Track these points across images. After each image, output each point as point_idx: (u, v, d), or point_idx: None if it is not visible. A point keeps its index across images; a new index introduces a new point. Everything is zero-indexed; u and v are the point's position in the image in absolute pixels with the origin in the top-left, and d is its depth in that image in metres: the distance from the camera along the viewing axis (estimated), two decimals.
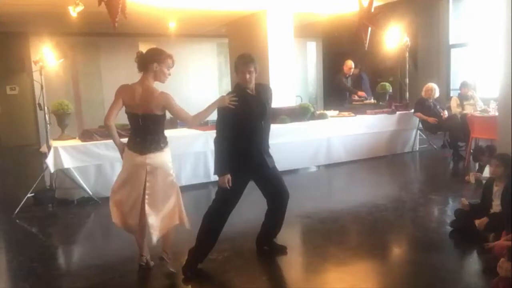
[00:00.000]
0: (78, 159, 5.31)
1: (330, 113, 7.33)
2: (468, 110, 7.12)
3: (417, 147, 8.02)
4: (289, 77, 8.57)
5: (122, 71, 10.14)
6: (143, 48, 13.02)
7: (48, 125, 5.55)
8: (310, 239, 4.12)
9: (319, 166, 6.94)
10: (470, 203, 3.95)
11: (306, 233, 4.23)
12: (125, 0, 3.88)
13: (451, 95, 9.23)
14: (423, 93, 7.63)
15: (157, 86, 3.39)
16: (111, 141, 5.42)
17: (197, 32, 11.45)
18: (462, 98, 7.42)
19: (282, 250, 3.67)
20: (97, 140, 5.44)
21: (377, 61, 10.36)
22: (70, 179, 5.30)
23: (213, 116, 3.43)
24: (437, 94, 7.58)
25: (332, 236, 4.19)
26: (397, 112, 7.78)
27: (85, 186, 5.34)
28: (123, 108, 3.34)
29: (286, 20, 8.53)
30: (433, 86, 7.59)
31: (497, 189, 3.74)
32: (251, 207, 5.13)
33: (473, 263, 3.55)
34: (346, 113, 7.54)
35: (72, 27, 7.64)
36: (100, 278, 3.34)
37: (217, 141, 3.31)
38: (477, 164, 5.98)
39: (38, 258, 3.78)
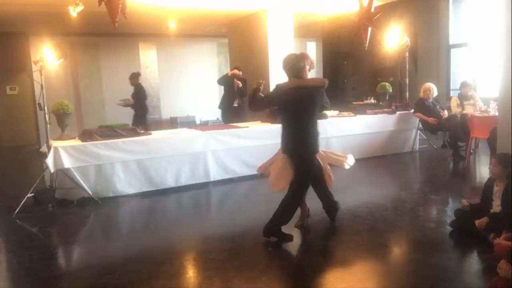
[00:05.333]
0: (78, 159, 5.31)
1: (330, 113, 7.33)
2: (468, 110, 7.12)
3: (417, 147, 8.02)
4: None
5: (122, 71, 10.22)
6: (143, 48, 13.14)
7: (48, 125, 5.55)
8: (310, 239, 4.12)
9: None
10: (470, 203, 3.95)
11: (305, 233, 4.22)
12: (125, 0, 3.89)
13: (451, 95, 9.23)
14: (421, 94, 7.61)
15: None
16: (111, 141, 5.48)
17: (197, 32, 11.46)
18: (462, 98, 7.42)
19: (290, 238, 3.85)
20: (97, 140, 5.44)
21: (377, 61, 10.37)
22: (70, 179, 5.30)
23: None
24: (435, 93, 7.58)
25: (332, 236, 4.20)
26: (397, 112, 7.78)
27: (85, 186, 5.34)
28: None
29: (286, 20, 8.54)
30: (430, 85, 7.58)
31: (497, 189, 3.74)
32: (251, 207, 5.14)
33: (473, 263, 3.55)
34: (346, 113, 7.54)
35: (72, 27, 7.64)
36: (100, 278, 3.34)
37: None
38: (477, 164, 5.98)
39: (38, 258, 3.77)
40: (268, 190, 4.06)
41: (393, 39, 7.73)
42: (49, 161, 5.13)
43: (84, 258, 3.89)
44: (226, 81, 8.04)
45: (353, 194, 5.35)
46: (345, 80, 12.62)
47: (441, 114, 7.42)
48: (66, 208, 5.21)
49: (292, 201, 3.92)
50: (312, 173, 4.00)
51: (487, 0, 8.67)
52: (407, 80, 8.14)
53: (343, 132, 7.14)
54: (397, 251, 3.89)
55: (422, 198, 5.12)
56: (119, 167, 5.53)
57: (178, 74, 12.24)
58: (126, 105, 8.76)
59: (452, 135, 7.23)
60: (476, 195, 4.30)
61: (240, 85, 7.93)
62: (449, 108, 7.58)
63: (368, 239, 3.96)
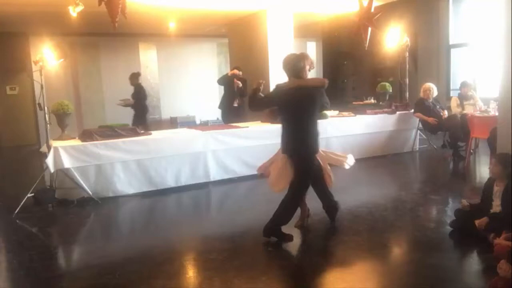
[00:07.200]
0: (78, 159, 5.31)
1: (330, 113, 7.32)
2: (468, 110, 7.12)
3: (417, 147, 8.02)
4: None
5: (122, 71, 10.23)
6: (143, 48, 13.12)
7: (48, 125, 5.55)
8: (310, 239, 4.12)
9: None
10: (470, 203, 3.95)
11: (305, 233, 4.23)
12: (125, 0, 3.89)
13: (451, 95, 9.23)
14: (421, 94, 7.61)
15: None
16: (111, 141, 5.49)
17: (197, 32, 11.47)
18: (462, 98, 7.42)
19: (290, 238, 3.86)
20: (97, 140, 5.44)
21: (377, 61, 10.37)
22: (70, 179, 5.30)
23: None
24: (435, 93, 7.58)
25: (332, 236, 4.20)
26: (397, 112, 7.78)
27: (85, 186, 5.34)
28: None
29: (286, 20, 8.54)
30: (430, 85, 7.58)
31: (497, 189, 3.74)
32: (251, 207, 5.15)
33: (473, 263, 3.55)
34: (346, 113, 7.54)
35: (72, 27, 7.65)
36: (100, 278, 3.34)
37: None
38: (477, 164, 5.98)
39: (38, 258, 3.78)
40: (268, 190, 4.06)
41: (393, 39, 7.73)
42: (49, 161, 5.13)
43: (84, 258, 3.89)
44: (226, 81, 8.04)
45: (353, 194, 5.35)
46: (345, 80, 12.62)
47: (441, 114, 7.42)
48: (66, 208, 5.21)
49: (292, 201, 3.93)
50: (312, 173, 4.00)
51: (487, 0, 8.67)
52: (407, 80, 8.15)
53: (343, 132, 7.14)
54: (397, 251, 3.90)
55: (422, 198, 5.12)
56: (119, 167, 5.53)
57: (178, 74, 12.24)
58: (126, 105, 8.76)
59: (452, 135, 7.23)
60: (476, 195, 4.30)
61: (240, 85, 7.93)
62: (449, 108, 7.58)
63: (368, 239, 3.96)
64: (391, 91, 8.48)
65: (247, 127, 6.52)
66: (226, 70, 12.04)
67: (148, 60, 11.77)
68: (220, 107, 8.39)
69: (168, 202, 5.53)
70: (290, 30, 8.61)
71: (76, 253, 4.11)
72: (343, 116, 7.40)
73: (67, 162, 5.23)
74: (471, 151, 6.96)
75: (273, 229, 3.84)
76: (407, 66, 8.09)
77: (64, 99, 6.23)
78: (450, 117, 7.38)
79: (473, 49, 9.40)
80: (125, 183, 5.57)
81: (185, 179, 5.93)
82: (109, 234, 4.59)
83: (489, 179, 3.93)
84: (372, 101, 8.38)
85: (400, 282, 3.16)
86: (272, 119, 5.40)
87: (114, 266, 3.54)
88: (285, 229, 3.90)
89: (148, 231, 4.51)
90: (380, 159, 7.40)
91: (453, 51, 9.90)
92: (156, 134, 6.14)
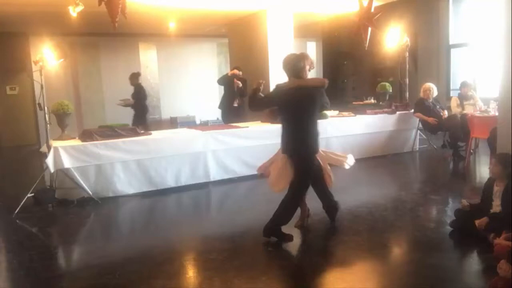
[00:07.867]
0: (78, 159, 5.31)
1: (330, 113, 7.32)
2: (468, 110, 7.12)
3: (417, 147, 8.02)
4: None
5: (122, 71, 10.24)
6: (143, 48, 13.14)
7: (48, 125, 5.55)
8: (310, 239, 4.13)
9: None
10: (470, 203, 3.95)
11: (305, 233, 4.23)
12: (125, 0, 3.89)
13: (451, 95, 9.23)
14: (421, 94, 7.61)
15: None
16: (111, 141, 5.49)
17: (197, 32, 11.47)
18: (462, 98, 7.41)
19: (290, 238, 3.85)
20: (97, 140, 5.44)
21: (377, 61, 10.37)
22: (70, 179, 5.30)
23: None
24: (435, 93, 7.58)
25: (332, 236, 4.20)
26: (397, 112, 7.78)
27: (85, 186, 5.34)
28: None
29: (286, 20, 8.54)
30: (430, 85, 7.58)
31: (497, 189, 3.74)
32: (251, 207, 5.15)
33: (473, 263, 3.55)
34: (346, 113, 7.54)
35: (72, 27, 7.65)
36: (100, 278, 3.34)
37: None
38: (477, 164, 5.98)
39: (38, 258, 3.78)
40: (268, 190, 4.06)
41: (393, 39, 7.73)
42: (49, 161, 5.13)
43: (84, 258, 3.89)
44: (226, 81, 8.04)
45: (353, 194, 5.35)
46: (345, 80, 12.62)
47: (441, 114, 7.42)
48: (66, 208, 5.21)
49: (292, 201, 3.93)
50: (312, 173, 4.00)
51: (487, 0, 8.67)
52: (407, 80, 8.14)
53: (343, 132, 7.14)
54: (397, 251, 3.89)
55: (422, 198, 5.12)
56: (119, 167, 5.53)
57: (178, 74, 12.25)
58: (126, 105, 8.76)
59: (452, 135, 7.23)
60: (476, 195, 4.30)
61: (240, 85, 7.93)
62: (449, 108, 7.58)
63: (368, 239, 3.96)
64: (391, 91, 8.49)
65: (247, 127, 6.52)
66: (226, 70, 12.04)
67: (148, 60, 11.77)
68: (220, 107, 8.39)
69: (168, 202, 5.53)
70: (290, 30, 8.61)
71: (76, 253, 4.11)
72: (343, 116, 7.40)
73: (67, 162, 5.23)
74: (471, 151, 6.96)
75: (273, 229, 3.85)
76: (407, 66, 8.09)
77: (64, 99, 6.23)
78: (450, 117, 7.38)
79: (473, 49, 9.40)
80: (125, 183, 5.57)
81: (185, 179, 5.93)
82: (109, 234, 4.59)
83: (489, 179, 3.93)
84: (372, 101, 8.38)
85: (400, 282, 3.16)
86: (272, 119, 5.40)
87: (114, 266, 3.54)
88: (285, 229, 3.90)
89: (148, 231, 4.52)
90: (380, 159, 7.40)
91: (453, 51, 9.90)
92: (156, 134, 6.14)
